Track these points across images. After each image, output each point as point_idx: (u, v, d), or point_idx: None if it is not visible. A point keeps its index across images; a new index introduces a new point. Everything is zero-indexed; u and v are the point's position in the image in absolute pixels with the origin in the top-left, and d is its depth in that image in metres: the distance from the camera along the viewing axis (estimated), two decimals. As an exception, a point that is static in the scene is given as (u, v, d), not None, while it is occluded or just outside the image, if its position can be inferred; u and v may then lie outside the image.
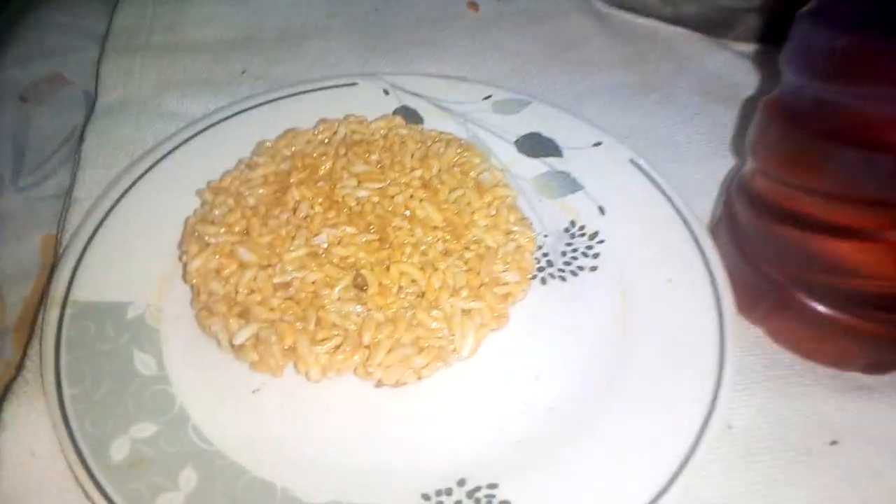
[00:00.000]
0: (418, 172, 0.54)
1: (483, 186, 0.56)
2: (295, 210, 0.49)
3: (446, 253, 0.49)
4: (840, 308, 0.41)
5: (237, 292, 0.45)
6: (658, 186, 0.58)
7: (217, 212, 0.50)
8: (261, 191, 0.51)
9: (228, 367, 0.44)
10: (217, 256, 0.46)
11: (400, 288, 0.48)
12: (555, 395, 0.44)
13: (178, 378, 0.43)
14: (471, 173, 0.54)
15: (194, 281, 0.47)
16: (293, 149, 0.54)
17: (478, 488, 0.39)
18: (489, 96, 0.66)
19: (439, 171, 0.55)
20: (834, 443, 0.41)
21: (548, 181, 0.61)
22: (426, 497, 0.39)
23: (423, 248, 0.48)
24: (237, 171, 0.54)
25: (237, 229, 0.49)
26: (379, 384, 0.48)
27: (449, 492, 0.39)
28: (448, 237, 0.49)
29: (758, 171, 0.43)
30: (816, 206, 0.39)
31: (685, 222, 0.54)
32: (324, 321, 0.48)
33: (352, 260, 0.47)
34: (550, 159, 0.62)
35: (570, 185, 0.60)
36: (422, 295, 0.49)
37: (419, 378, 0.47)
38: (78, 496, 0.37)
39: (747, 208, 0.45)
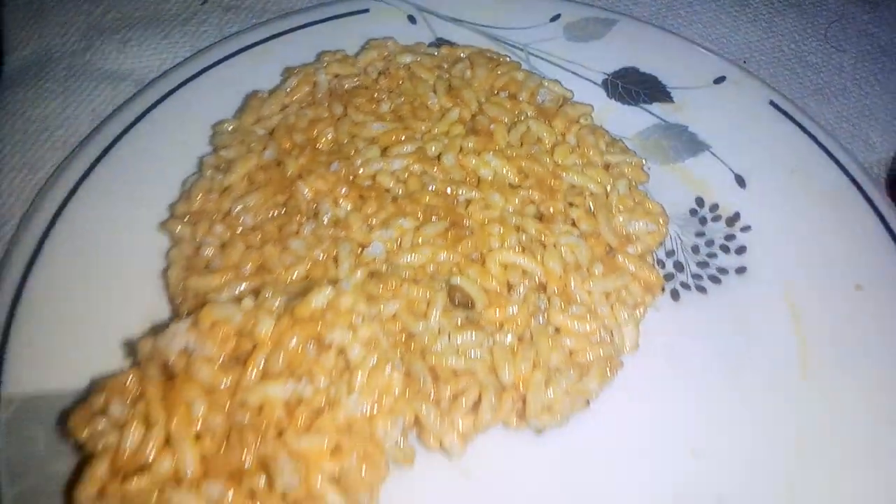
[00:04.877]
0: (454, 113, 0.40)
1: (547, 110, 0.42)
2: (316, 213, 0.36)
3: (545, 219, 0.37)
4: None
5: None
6: (818, 141, 0.39)
7: (208, 251, 0.35)
8: (252, 202, 0.37)
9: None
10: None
11: (511, 288, 0.35)
12: (723, 479, 0.31)
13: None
14: (521, 95, 0.42)
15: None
16: (269, 122, 0.40)
17: None
18: (558, 16, 0.47)
19: (480, 103, 0.41)
20: None
21: (657, 139, 0.43)
22: None
23: (513, 220, 0.36)
24: (205, 181, 0.39)
25: (248, 268, 0.34)
26: (539, 431, 0.34)
27: None
28: (537, 195, 0.37)
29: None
30: None
31: (867, 198, 0.37)
32: (440, 370, 0.33)
33: (431, 268, 0.34)
34: (657, 106, 0.44)
35: (689, 143, 0.42)
36: (542, 288, 0.35)
37: (588, 405, 0.34)
38: None
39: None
